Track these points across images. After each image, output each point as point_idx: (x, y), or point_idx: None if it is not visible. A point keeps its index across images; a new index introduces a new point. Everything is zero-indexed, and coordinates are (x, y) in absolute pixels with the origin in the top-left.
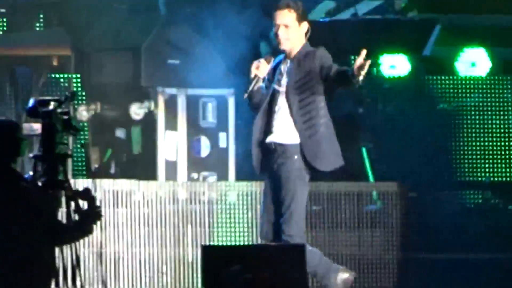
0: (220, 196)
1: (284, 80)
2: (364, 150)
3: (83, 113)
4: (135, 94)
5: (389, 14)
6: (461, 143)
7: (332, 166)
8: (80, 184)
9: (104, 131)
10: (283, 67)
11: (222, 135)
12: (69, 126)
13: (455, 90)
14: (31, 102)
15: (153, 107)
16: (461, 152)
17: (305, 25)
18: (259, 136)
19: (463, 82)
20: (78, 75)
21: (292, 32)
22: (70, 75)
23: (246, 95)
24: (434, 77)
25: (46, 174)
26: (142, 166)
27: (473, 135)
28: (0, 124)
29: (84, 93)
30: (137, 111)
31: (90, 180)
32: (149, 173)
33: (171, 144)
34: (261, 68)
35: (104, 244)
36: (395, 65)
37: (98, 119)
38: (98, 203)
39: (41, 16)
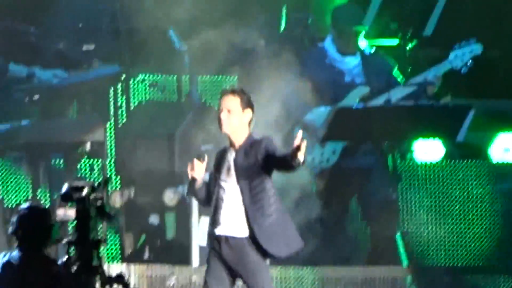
0: None
1: (232, 171)
2: (398, 235)
3: (116, 199)
4: (169, 180)
5: (422, 100)
6: (494, 228)
7: (288, 251)
8: (114, 269)
9: (138, 216)
10: (230, 157)
11: None
12: (103, 212)
13: (489, 175)
14: (64, 187)
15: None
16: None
17: (248, 112)
18: (210, 228)
19: (497, 167)
20: (112, 161)
21: (234, 117)
22: (103, 161)
23: (188, 195)
24: (468, 162)
25: (80, 260)
26: (176, 251)
27: (506, 220)
28: (31, 210)
29: (118, 179)
30: (171, 196)
31: (124, 265)
32: (182, 258)
33: (204, 230)
34: (196, 169)
35: None
36: (429, 151)
37: (132, 205)
38: None
39: (75, 103)
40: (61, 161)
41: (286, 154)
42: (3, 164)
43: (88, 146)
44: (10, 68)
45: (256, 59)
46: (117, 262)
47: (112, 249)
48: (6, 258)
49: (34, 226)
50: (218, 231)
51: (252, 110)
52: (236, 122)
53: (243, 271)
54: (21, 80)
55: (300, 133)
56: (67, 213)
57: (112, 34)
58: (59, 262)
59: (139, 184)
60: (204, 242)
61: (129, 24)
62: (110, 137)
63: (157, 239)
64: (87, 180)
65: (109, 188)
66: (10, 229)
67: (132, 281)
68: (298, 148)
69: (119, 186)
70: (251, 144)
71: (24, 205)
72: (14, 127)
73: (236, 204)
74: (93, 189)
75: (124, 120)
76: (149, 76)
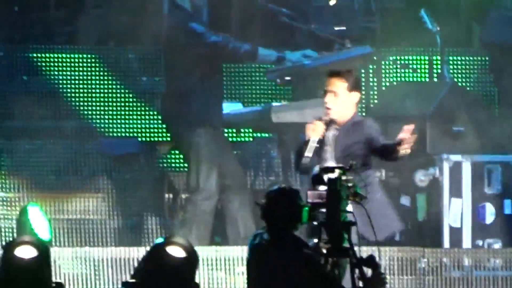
0: (505, 263)
1: (331, 148)
2: None
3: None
4: (420, 162)
5: None
6: None
7: (383, 234)
8: (364, 251)
9: (389, 198)
10: (331, 134)
11: (506, 202)
12: (355, 193)
13: None
14: (316, 169)
15: (438, 174)
16: None
17: (355, 95)
18: None
19: None
20: None
21: (340, 100)
22: None
23: (304, 159)
24: None
25: (330, 242)
26: (426, 233)
27: None
28: (281, 192)
29: None
30: (422, 178)
31: (375, 248)
32: (433, 240)
33: (455, 211)
34: (316, 130)
35: None
36: None
37: (383, 186)
38: (382, 271)
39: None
40: None
41: (389, 145)
42: (254, 145)
43: None
44: (259, 53)
45: None
46: (367, 245)
47: None
48: (256, 241)
49: (284, 208)
50: None
51: (360, 92)
52: (342, 105)
53: None
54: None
55: (408, 127)
56: (318, 194)
57: (364, 14)
58: (310, 244)
59: (390, 166)
60: (454, 223)
61: (382, 3)
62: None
63: (408, 221)
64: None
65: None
66: (262, 211)
67: (383, 263)
68: (402, 141)
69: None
70: (353, 124)
71: (274, 187)
72: (266, 107)
73: None
74: (344, 171)
75: (376, 101)
76: (400, 57)
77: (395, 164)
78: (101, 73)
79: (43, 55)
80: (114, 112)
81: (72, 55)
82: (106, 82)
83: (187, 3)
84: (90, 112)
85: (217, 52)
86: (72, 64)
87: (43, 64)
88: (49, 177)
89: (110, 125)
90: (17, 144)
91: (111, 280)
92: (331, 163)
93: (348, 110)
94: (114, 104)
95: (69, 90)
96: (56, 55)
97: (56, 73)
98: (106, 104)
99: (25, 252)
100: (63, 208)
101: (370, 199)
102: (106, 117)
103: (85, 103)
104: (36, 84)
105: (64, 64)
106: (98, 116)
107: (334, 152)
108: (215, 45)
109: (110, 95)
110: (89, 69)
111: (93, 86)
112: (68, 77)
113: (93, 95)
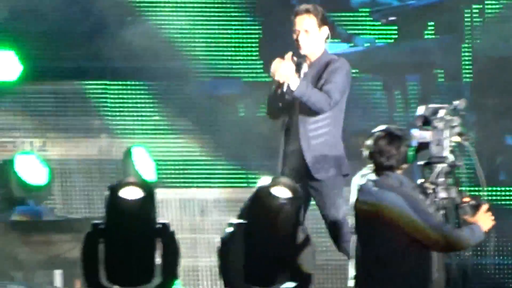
0: None
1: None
2: None
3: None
4: None
5: None
6: None
7: (329, 174)
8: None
9: (492, 137)
10: (302, 71)
11: None
12: (460, 133)
13: None
14: (421, 109)
15: None
16: None
17: (325, 30)
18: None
19: None
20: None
21: (312, 37)
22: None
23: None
24: None
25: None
26: None
27: None
28: (387, 132)
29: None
30: None
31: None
32: None
33: None
34: (287, 71)
35: None
36: None
37: (485, 126)
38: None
39: (431, 23)
40: (415, 83)
41: None
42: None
43: None
44: None
45: None
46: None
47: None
48: (363, 181)
49: (392, 148)
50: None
51: (328, 26)
52: (314, 42)
53: None
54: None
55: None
56: (423, 134)
57: None
58: (418, 182)
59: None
60: None
61: None
62: (465, 59)
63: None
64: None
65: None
66: (369, 152)
67: None
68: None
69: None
70: (326, 62)
71: (381, 127)
72: (371, 47)
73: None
74: (449, 111)
75: (479, 41)
76: None
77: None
78: (204, 13)
79: None
80: (218, 53)
81: None
82: (211, 22)
83: None
84: (193, 53)
85: None
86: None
87: None
88: (153, 118)
89: (214, 66)
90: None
91: (217, 221)
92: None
93: (319, 46)
94: (219, 44)
95: (172, 31)
96: None
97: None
98: (210, 45)
99: (131, 193)
100: (169, 150)
101: None
102: (210, 58)
103: (188, 44)
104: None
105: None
106: (201, 58)
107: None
108: None
109: (213, 35)
110: (191, 9)
111: (197, 26)
112: (169, 17)
113: (197, 35)
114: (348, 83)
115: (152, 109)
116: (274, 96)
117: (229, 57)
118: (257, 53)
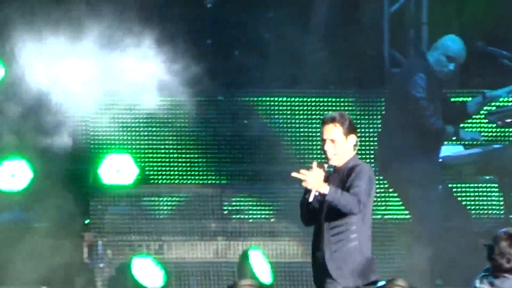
0: None
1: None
2: None
3: None
4: None
5: None
6: None
7: (353, 284)
8: None
9: None
10: (330, 178)
11: None
12: None
13: None
14: None
15: None
16: None
17: (352, 138)
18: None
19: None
20: None
21: (339, 146)
22: None
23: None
24: None
25: None
26: None
27: None
28: (510, 234)
29: None
30: None
31: None
32: None
33: None
34: (316, 180)
35: None
36: None
37: None
38: None
39: None
40: None
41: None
42: (474, 189)
43: None
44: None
45: None
46: None
47: None
48: (483, 284)
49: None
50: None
51: (355, 134)
52: (342, 151)
53: None
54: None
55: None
56: None
57: None
58: None
59: None
60: None
61: None
62: None
63: None
64: None
65: None
66: (488, 253)
67: None
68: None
69: None
70: (350, 168)
71: (503, 229)
72: (487, 149)
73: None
74: None
75: None
76: None
77: None
78: (318, 117)
79: (262, 98)
80: None
81: (291, 99)
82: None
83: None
84: (309, 157)
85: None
86: (292, 108)
87: (261, 108)
88: (270, 220)
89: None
90: (238, 187)
91: None
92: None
93: (347, 154)
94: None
95: (288, 134)
96: (275, 99)
97: (275, 116)
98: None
99: None
100: (284, 252)
101: None
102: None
103: (305, 148)
104: (256, 128)
105: (283, 108)
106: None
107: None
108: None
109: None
110: (308, 112)
111: (312, 130)
112: (288, 121)
113: (313, 139)
114: (372, 186)
115: (266, 211)
116: (304, 204)
117: None
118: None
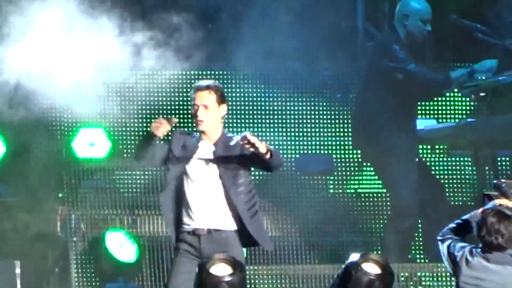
0: None
1: (208, 164)
2: None
3: None
4: None
5: None
6: None
7: (271, 244)
8: None
9: None
10: (204, 150)
11: None
12: None
13: None
14: None
15: None
16: None
17: (223, 108)
18: (179, 223)
19: None
20: None
21: (211, 113)
22: None
23: (143, 140)
24: None
25: None
26: None
27: None
28: (500, 213)
29: None
30: None
31: None
32: None
33: None
34: (161, 129)
35: None
36: None
37: None
38: None
39: None
40: (507, 159)
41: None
42: (448, 162)
43: None
44: (453, 77)
45: None
46: None
47: None
48: (475, 257)
49: (505, 229)
50: (198, 224)
51: (226, 105)
52: (213, 118)
53: None
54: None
55: (238, 137)
56: None
57: None
58: None
59: None
60: None
61: None
62: None
63: None
64: None
65: None
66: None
67: None
68: (251, 146)
69: None
70: (229, 139)
71: (491, 205)
72: (461, 123)
73: (216, 198)
74: None
75: None
76: None
77: None
78: (294, 90)
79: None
80: (309, 129)
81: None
82: (301, 99)
83: (400, 28)
84: (285, 129)
85: (413, 81)
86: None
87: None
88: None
89: (305, 142)
90: None
91: None
92: (212, 180)
93: (218, 124)
94: (310, 120)
95: (265, 105)
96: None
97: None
98: (301, 121)
99: (221, 269)
100: None
101: None
102: (301, 134)
103: (280, 120)
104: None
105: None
106: (293, 133)
107: (218, 167)
108: (413, 75)
109: (305, 112)
110: (283, 86)
111: (288, 104)
112: (264, 93)
113: (289, 112)
114: None
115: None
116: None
117: (320, 133)
118: (348, 130)
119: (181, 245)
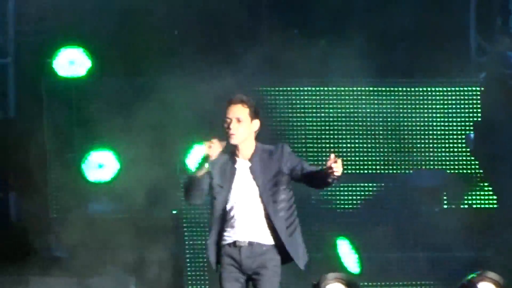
0: None
1: (247, 180)
2: None
3: None
4: None
5: None
6: None
7: (304, 263)
8: None
9: None
10: (239, 167)
11: None
12: None
13: None
14: None
15: None
16: None
17: (256, 122)
18: (221, 237)
19: None
20: None
21: (243, 127)
22: None
23: (193, 175)
24: None
25: None
26: None
27: None
28: None
29: None
30: None
31: None
32: None
33: None
34: (213, 149)
35: None
36: None
37: None
38: None
39: None
40: None
41: (319, 171)
42: None
43: None
44: None
45: None
46: None
47: None
48: None
49: None
50: (239, 237)
51: (260, 120)
52: (245, 132)
53: (261, 277)
54: None
55: (332, 156)
56: None
57: None
58: None
59: None
60: None
61: None
62: None
63: None
64: None
65: None
66: None
67: None
68: (331, 167)
69: None
70: (265, 153)
71: None
72: None
73: (257, 214)
74: None
75: None
76: None
77: None
78: (408, 106)
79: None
80: (421, 145)
81: (377, 88)
82: (412, 115)
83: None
84: (398, 145)
85: None
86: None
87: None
88: (357, 210)
89: (417, 158)
90: None
91: None
92: (251, 194)
93: (250, 139)
94: (420, 136)
95: (370, 124)
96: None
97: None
98: (413, 136)
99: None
100: (371, 243)
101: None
102: (415, 150)
103: (392, 136)
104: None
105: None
106: (406, 149)
107: (257, 185)
108: None
109: (414, 128)
110: (393, 102)
111: (399, 120)
112: (375, 111)
113: (399, 128)
114: None
115: (354, 202)
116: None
117: (434, 148)
118: (462, 145)
119: (224, 259)
